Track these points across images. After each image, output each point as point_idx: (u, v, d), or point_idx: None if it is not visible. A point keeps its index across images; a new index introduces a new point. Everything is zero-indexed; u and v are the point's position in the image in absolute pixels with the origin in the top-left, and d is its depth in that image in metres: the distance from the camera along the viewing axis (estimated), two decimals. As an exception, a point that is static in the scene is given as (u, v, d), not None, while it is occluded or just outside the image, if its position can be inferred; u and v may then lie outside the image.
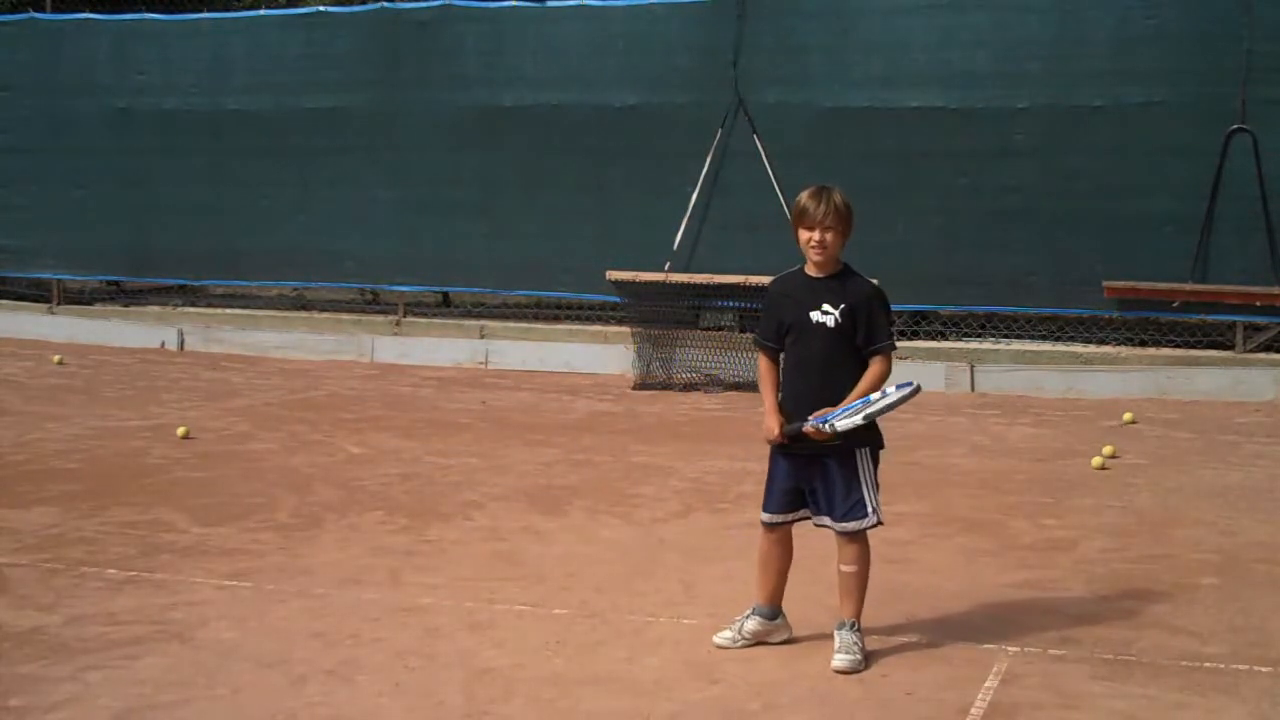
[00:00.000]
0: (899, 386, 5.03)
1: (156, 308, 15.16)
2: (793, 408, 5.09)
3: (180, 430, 9.41)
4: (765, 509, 5.21)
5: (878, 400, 4.98)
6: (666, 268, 12.53)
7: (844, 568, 5.11)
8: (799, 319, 5.09)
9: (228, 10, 15.85)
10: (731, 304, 12.42)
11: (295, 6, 15.90)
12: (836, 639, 5.05)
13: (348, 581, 6.10)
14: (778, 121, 12.42)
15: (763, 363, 5.25)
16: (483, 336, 13.35)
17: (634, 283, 12.46)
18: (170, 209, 14.62)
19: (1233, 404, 10.85)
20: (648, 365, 12.18)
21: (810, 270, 5.15)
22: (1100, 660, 5.09)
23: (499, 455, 8.77)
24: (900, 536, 6.90)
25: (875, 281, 5.25)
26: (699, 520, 7.27)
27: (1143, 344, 11.84)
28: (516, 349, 13.10)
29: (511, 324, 13.68)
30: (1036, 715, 4.60)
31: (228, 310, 14.89)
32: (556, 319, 13.83)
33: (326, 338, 13.83)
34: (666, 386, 11.88)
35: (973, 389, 11.60)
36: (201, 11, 14.92)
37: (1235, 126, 11.28)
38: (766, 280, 11.87)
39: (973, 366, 11.71)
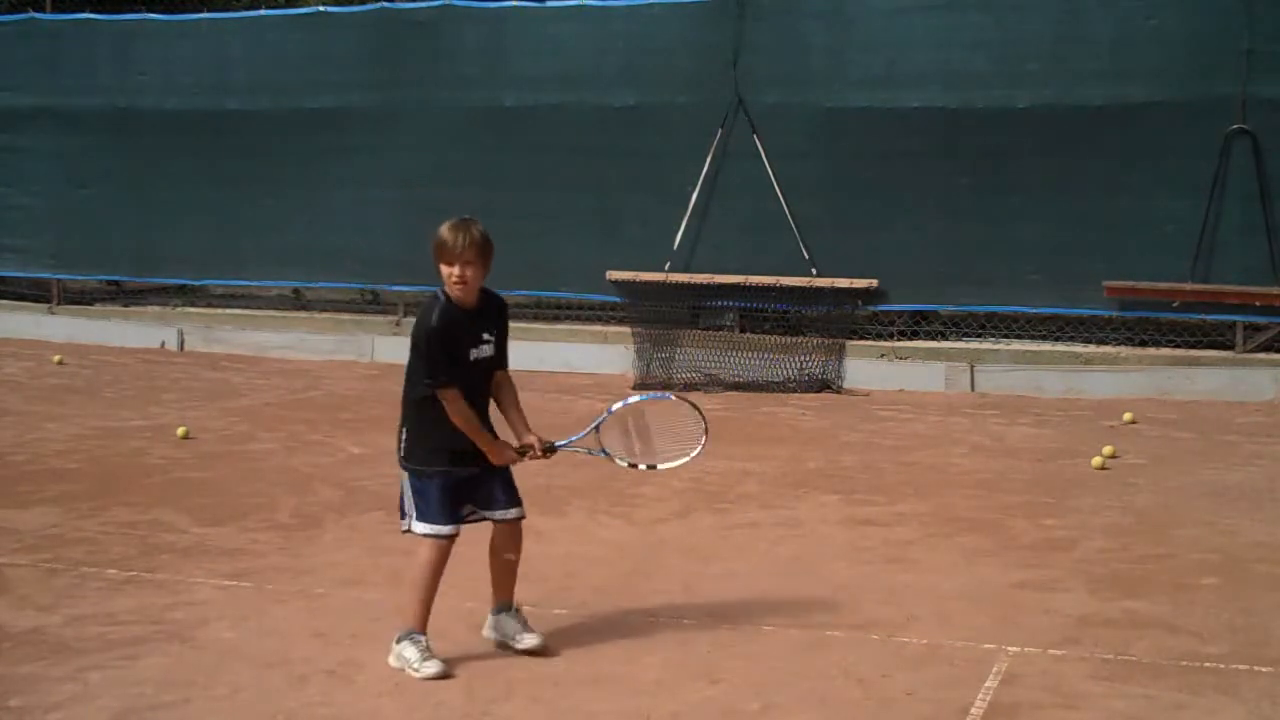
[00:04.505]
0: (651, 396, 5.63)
1: (156, 308, 15.15)
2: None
3: (180, 430, 9.41)
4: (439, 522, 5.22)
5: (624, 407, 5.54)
6: (666, 268, 12.53)
7: (511, 556, 5.33)
8: (464, 355, 5.29)
9: (228, 10, 15.84)
10: (731, 304, 12.43)
11: (295, 6, 15.89)
12: (517, 622, 5.23)
13: (348, 581, 6.11)
14: (778, 121, 12.41)
15: (459, 402, 5.22)
16: (483, 336, 13.33)
17: (634, 283, 12.47)
18: (170, 209, 14.60)
19: (1233, 404, 10.84)
20: (648, 365, 12.18)
21: (461, 302, 5.29)
22: (1100, 660, 5.09)
23: (499, 455, 8.75)
24: (900, 536, 6.91)
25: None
26: (699, 520, 7.27)
27: (1143, 344, 11.82)
28: (516, 349, 12.95)
29: (511, 324, 13.54)
30: (1036, 715, 4.60)
31: (228, 310, 14.88)
32: (556, 319, 13.82)
33: (326, 338, 13.82)
34: (666, 386, 11.87)
35: (973, 389, 11.59)
36: (201, 11, 14.92)
37: (1235, 126, 11.27)
38: (767, 280, 12.15)
39: (973, 366, 11.70)
